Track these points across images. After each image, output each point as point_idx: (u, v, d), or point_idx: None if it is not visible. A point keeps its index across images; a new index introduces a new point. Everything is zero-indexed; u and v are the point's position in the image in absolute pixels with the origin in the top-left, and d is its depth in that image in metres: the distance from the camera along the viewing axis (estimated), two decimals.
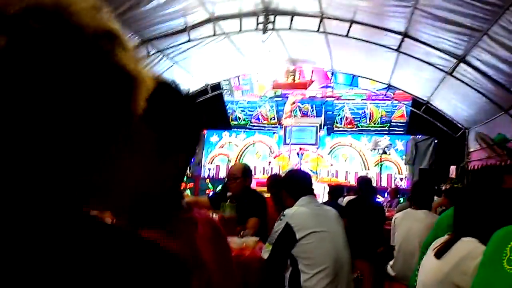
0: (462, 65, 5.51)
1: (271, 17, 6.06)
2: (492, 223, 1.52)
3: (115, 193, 0.63)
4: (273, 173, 9.49)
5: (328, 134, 11.61)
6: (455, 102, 6.96)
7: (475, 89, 5.75)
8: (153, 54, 6.46)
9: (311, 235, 2.37)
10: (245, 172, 3.30)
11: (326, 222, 2.46)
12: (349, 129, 11.95)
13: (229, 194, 3.04)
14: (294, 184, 2.64)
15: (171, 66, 7.21)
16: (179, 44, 6.44)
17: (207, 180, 10.32)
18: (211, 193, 9.60)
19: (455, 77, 5.83)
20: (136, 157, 0.71)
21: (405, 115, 11.21)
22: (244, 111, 12.64)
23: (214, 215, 3.31)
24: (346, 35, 5.98)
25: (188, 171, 10.13)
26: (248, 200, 3.21)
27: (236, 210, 3.13)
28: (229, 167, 3.90)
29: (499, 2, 4.04)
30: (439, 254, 1.63)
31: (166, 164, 0.77)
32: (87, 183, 0.43)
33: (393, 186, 9.32)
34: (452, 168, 7.32)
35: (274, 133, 11.93)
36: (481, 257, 1.40)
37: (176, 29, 6.09)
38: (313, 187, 2.71)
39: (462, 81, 5.80)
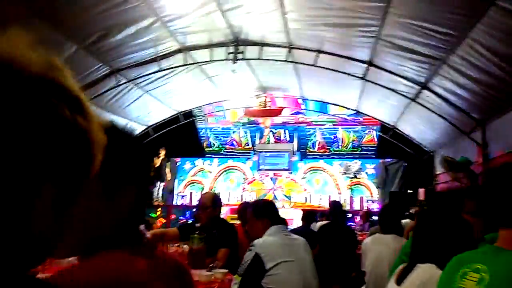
0: (425, 91, 5.73)
1: (241, 47, 6.17)
2: (448, 249, 1.55)
3: (65, 241, 0.62)
4: (246, 199, 9.44)
5: (301, 159, 11.70)
6: (420, 127, 7.19)
7: (438, 114, 5.97)
8: (123, 83, 6.43)
9: (280, 265, 2.36)
10: (215, 201, 3.28)
11: (294, 251, 2.45)
12: (322, 154, 12.10)
13: (197, 225, 3.00)
14: (263, 214, 2.64)
15: (141, 95, 7.18)
16: (149, 74, 6.44)
17: (180, 209, 10.16)
18: (182, 222, 9.45)
19: (419, 103, 6.04)
20: (82, 201, 0.71)
21: (375, 139, 11.49)
22: (217, 137, 12.63)
23: (184, 247, 3.25)
24: (314, 64, 6.13)
25: (160, 199, 9.94)
26: (218, 230, 3.18)
27: (206, 241, 3.08)
28: (200, 196, 3.88)
29: (456, 33, 4.25)
30: (398, 280, 1.64)
31: (115, 201, 0.78)
32: (35, 240, 0.43)
33: (365, 209, 9.41)
34: (421, 191, 7.47)
35: (247, 159, 11.94)
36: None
37: (146, 59, 6.10)
38: (280, 215, 2.71)
39: (426, 107, 6.02)
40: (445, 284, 1.19)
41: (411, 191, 8.23)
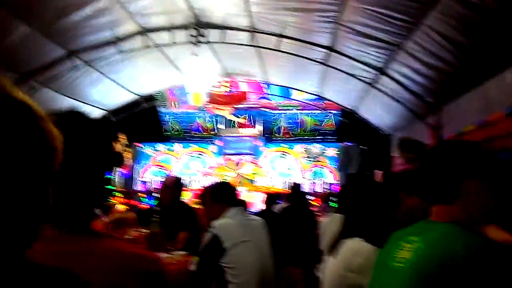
0: (382, 77, 5.86)
1: (203, 30, 6.06)
2: (375, 224, 1.64)
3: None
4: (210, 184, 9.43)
5: (265, 143, 11.79)
6: (379, 111, 7.37)
7: (395, 99, 6.14)
8: (81, 66, 6.19)
9: (238, 245, 2.38)
10: (178, 183, 3.28)
11: (252, 232, 2.48)
12: (285, 139, 12.24)
13: (157, 208, 2.98)
14: (221, 197, 2.64)
15: (100, 79, 6.95)
16: (108, 56, 6.22)
17: (141, 194, 10.01)
18: (143, 207, 9.33)
19: (377, 88, 6.18)
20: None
21: (334, 124, 11.74)
22: (181, 122, 12.48)
23: (144, 231, 3.22)
24: (277, 49, 6.12)
25: (120, 184, 9.74)
26: (178, 213, 3.17)
27: (166, 224, 3.07)
28: (164, 178, 3.85)
29: (412, 19, 4.35)
30: (329, 250, 1.73)
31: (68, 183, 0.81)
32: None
33: (325, 191, 9.64)
34: (378, 173, 7.70)
35: (211, 143, 11.89)
36: (366, 255, 1.51)
37: (105, 41, 5.88)
38: (238, 197, 2.73)
39: (383, 92, 6.17)
40: (383, 256, 1.24)
41: (370, 173, 8.48)
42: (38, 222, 0.55)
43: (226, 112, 11.76)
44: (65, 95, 6.84)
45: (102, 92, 7.61)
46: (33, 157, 0.52)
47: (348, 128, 9.15)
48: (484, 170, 1.11)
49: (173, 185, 3.24)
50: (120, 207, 9.23)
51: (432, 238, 1.08)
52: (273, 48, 6.19)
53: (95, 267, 0.73)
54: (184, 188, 3.40)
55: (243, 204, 4.66)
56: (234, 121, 12.10)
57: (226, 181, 4.73)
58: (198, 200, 4.24)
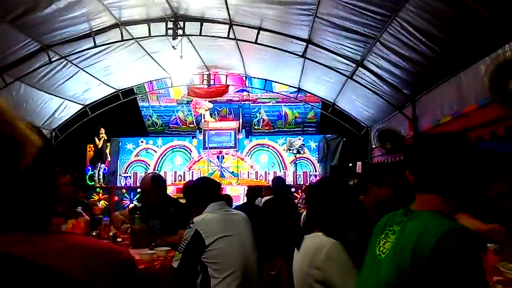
0: (360, 69, 5.93)
1: (181, 23, 6.00)
2: (334, 217, 1.68)
3: None
4: (193, 178, 9.41)
5: (247, 136, 11.79)
6: (357, 103, 7.46)
7: (373, 91, 6.23)
8: (56, 60, 6.05)
9: (219, 240, 2.39)
10: (155, 182, 3.22)
11: (234, 226, 2.49)
12: (267, 131, 12.27)
13: (138, 205, 2.96)
14: (202, 192, 2.64)
15: (77, 73, 6.81)
16: (84, 50, 6.11)
17: (123, 190, 9.89)
18: (128, 203, 9.25)
19: (355, 80, 6.25)
20: None
21: (316, 116, 11.84)
22: (161, 116, 12.36)
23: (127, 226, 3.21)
24: (255, 42, 6.12)
25: (102, 181, 9.58)
26: (174, 209, 3.17)
27: (163, 220, 3.09)
28: (140, 182, 3.79)
29: (387, 12, 4.41)
30: (296, 245, 1.77)
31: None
32: None
33: (307, 183, 9.73)
34: (359, 164, 7.83)
35: (193, 137, 11.83)
36: (326, 250, 1.54)
37: (80, 34, 5.77)
38: (222, 193, 2.74)
39: (362, 84, 6.24)
40: (371, 245, 1.28)
41: (350, 165, 8.60)
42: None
43: (202, 110, 11.69)
44: (40, 90, 6.69)
45: (79, 87, 7.48)
46: None
47: (329, 120, 9.24)
48: (484, 168, 1.16)
49: (151, 186, 3.17)
50: (102, 204, 9.14)
51: (410, 229, 1.12)
52: (251, 41, 6.18)
53: (69, 263, 0.74)
54: (163, 184, 3.33)
55: (227, 199, 4.66)
56: (214, 114, 12.05)
57: (208, 177, 4.70)
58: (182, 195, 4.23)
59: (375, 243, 1.26)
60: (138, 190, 5.83)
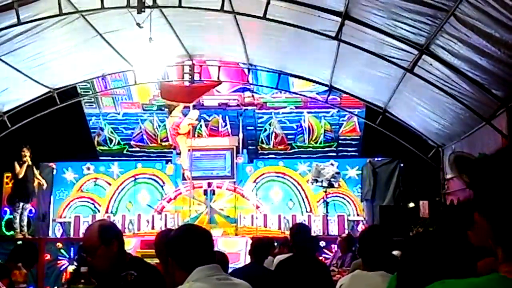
0: (425, 58, 5.97)
1: None
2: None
3: None
4: (166, 227, 9.39)
5: (250, 160, 11.80)
6: (422, 110, 7.49)
7: (445, 92, 6.25)
8: None
9: None
10: (104, 234, 3.22)
11: None
12: (281, 152, 12.28)
13: (83, 269, 2.98)
14: (184, 249, 2.66)
15: None
16: (2, 29, 6.22)
17: (59, 244, 9.82)
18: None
19: (417, 75, 6.29)
20: None
21: (357, 129, 11.82)
22: (118, 129, 12.43)
23: None
24: (264, 17, 6.19)
25: (25, 230, 9.56)
26: (138, 274, 3.18)
27: None
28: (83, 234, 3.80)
29: None
30: None
31: None
32: None
33: (345, 234, 9.69)
34: (424, 204, 7.82)
35: (167, 162, 11.87)
36: None
37: None
38: (214, 250, 2.74)
39: (428, 81, 6.27)
40: None
41: (412, 205, 8.58)
42: None
43: (185, 128, 11.25)
44: None
45: None
46: None
47: (377, 135, 9.25)
48: None
49: (98, 241, 3.16)
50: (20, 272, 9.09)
51: None
52: (258, 15, 6.25)
53: None
54: (116, 236, 3.32)
55: (221, 260, 4.67)
56: (200, 126, 12.05)
57: (193, 224, 4.71)
58: (152, 251, 4.25)
59: None
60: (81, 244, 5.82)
